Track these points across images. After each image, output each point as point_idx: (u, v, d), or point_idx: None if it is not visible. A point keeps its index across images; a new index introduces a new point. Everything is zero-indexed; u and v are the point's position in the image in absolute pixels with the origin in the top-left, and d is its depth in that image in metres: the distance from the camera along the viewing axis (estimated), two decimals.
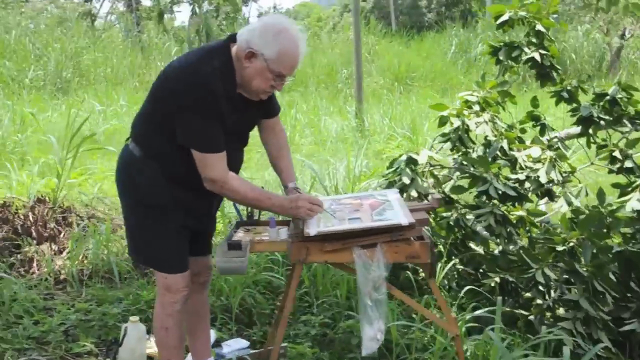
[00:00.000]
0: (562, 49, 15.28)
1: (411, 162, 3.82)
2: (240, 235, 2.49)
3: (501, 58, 4.36)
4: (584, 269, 2.93)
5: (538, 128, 4.36)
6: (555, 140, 4.42)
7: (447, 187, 4.09)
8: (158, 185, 2.40)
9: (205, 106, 2.25)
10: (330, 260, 2.31)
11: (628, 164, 3.77)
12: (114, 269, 3.71)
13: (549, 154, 3.99)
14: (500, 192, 3.54)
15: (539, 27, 4.24)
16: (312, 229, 2.23)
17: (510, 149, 4.10)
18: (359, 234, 2.25)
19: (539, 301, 3.34)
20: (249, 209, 2.59)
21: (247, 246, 2.29)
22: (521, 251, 3.42)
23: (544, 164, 3.96)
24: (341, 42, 17.26)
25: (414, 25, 20.24)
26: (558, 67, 4.28)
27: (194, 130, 2.28)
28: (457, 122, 4.12)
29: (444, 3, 20.70)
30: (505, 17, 4.32)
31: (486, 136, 4.13)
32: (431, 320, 2.53)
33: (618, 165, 3.83)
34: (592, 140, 4.23)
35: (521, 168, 4.07)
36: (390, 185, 3.93)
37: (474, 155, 4.12)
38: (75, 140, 4.46)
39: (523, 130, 4.41)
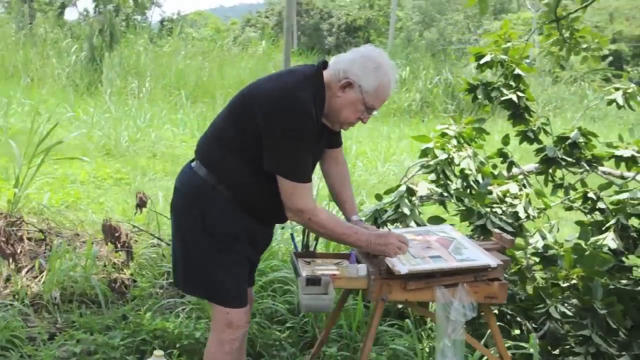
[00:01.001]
0: (455, 83, 16.27)
1: (409, 192, 3.87)
2: (303, 268, 2.37)
3: (478, 96, 4.55)
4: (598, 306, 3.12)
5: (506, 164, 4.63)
6: (521, 177, 4.71)
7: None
8: (230, 213, 2.24)
9: (305, 133, 2.14)
10: (411, 298, 2.27)
11: (600, 204, 4.07)
12: (99, 292, 3.39)
13: (526, 190, 4.21)
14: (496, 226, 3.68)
15: (518, 70, 4.49)
16: (401, 267, 2.18)
17: None
18: (443, 273, 2.24)
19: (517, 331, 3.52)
20: (305, 240, 2.49)
21: (329, 283, 2.19)
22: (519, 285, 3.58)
23: (520, 200, 4.18)
24: (248, 56, 17.11)
25: (314, 47, 20.57)
26: (532, 110, 4.55)
27: (289, 158, 2.15)
28: (441, 155, 4.26)
29: (345, 29, 21.23)
30: (487, 59, 4.53)
31: (462, 170, 4.29)
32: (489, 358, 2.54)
33: (590, 206, 4.12)
34: (549, 179, 4.56)
35: (495, 203, 4.26)
36: (378, 214, 3.97)
37: (453, 187, 4.26)
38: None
39: (494, 166, 4.63)
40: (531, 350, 2.82)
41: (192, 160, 2.34)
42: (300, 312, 3.41)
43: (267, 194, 2.23)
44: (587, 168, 4.50)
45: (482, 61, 4.54)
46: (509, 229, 3.70)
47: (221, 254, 2.25)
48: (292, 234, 2.49)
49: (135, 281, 3.83)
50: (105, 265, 3.89)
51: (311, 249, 2.49)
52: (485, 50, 4.60)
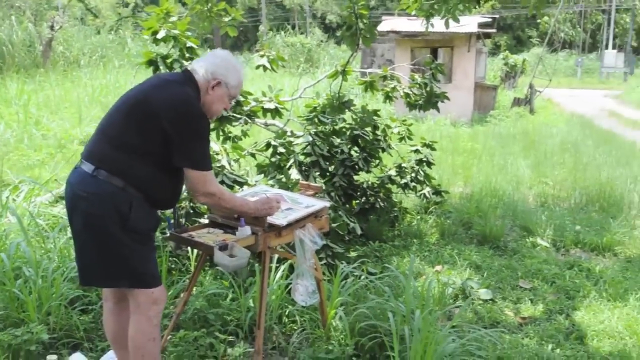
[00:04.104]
0: None
1: None
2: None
3: (161, 67, 5.07)
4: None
5: None
6: None
7: None
8: (145, 211, 2.55)
9: (206, 130, 2.62)
10: (281, 242, 2.99)
11: (280, 149, 5.25)
12: None
13: (224, 146, 5.09)
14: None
15: (190, 43, 5.14)
16: (281, 221, 2.88)
17: None
18: (299, 219, 3.02)
19: None
20: (177, 218, 2.87)
21: (234, 246, 2.70)
22: None
23: (222, 155, 5.05)
24: None
25: None
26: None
27: (198, 152, 2.56)
28: None
29: None
30: (162, 34, 5.03)
31: None
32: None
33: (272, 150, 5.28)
34: (220, 133, 5.54)
35: None
36: None
37: None
38: None
39: None
40: None
41: (96, 168, 2.45)
42: None
43: (169, 186, 2.64)
44: (249, 120, 5.63)
45: (158, 36, 5.04)
46: (241, 180, 4.55)
47: (140, 246, 2.55)
48: (168, 218, 2.80)
49: None
50: None
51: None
52: (156, 25, 5.07)
